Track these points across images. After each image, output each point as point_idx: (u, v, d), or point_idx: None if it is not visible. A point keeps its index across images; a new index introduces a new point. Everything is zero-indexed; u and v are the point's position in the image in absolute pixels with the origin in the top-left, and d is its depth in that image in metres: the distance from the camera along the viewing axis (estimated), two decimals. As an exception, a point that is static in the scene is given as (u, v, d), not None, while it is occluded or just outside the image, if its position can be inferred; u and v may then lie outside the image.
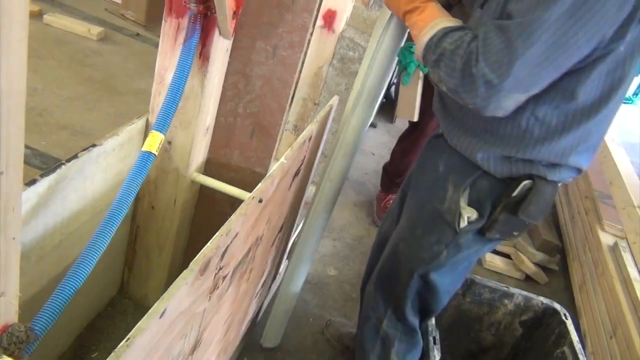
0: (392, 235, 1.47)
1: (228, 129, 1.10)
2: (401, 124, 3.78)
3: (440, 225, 1.27)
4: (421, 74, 2.41)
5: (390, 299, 1.45)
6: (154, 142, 0.85)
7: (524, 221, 1.18)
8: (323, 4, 1.94)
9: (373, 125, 3.74)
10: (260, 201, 1.01)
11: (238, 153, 1.13)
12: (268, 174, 1.03)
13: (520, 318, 1.90)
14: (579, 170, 1.18)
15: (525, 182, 1.14)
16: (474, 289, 1.87)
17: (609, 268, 2.32)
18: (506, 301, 1.88)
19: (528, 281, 2.68)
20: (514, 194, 1.15)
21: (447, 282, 1.38)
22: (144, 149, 0.86)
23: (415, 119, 2.50)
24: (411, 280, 1.37)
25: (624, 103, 6.60)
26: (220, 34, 0.90)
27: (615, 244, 2.43)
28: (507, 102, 1.02)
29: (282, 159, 1.11)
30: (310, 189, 2.19)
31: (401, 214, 1.46)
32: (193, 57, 0.89)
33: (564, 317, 1.81)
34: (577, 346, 1.71)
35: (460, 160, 1.22)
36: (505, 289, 1.88)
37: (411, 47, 2.34)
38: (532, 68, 0.97)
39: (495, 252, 2.77)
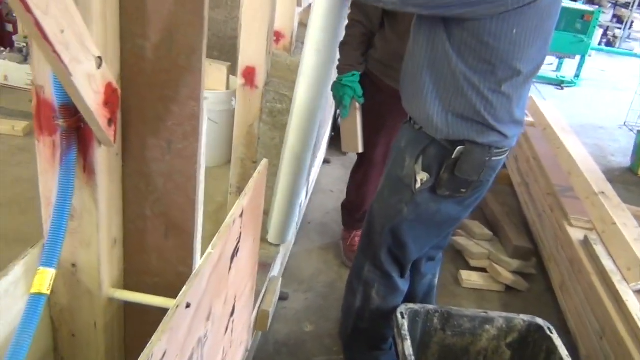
0: None
1: (139, 234, 1.01)
2: (354, 154, 3.73)
3: (401, 188, 1.61)
4: (357, 105, 2.37)
5: (369, 250, 1.78)
6: (43, 280, 0.76)
7: (465, 179, 1.51)
8: (240, 62, 1.88)
9: (327, 161, 3.68)
10: (189, 306, 0.92)
11: (156, 257, 1.04)
12: (194, 272, 0.94)
13: (506, 340, 1.82)
14: (504, 136, 1.49)
15: (459, 147, 1.48)
16: (453, 321, 1.79)
17: (584, 264, 2.27)
18: (487, 327, 1.81)
19: (509, 291, 2.62)
20: (453, 156, 1.49)
21: (412, 235, 1.69)
22: (32, 291, 0.76)
23: (361, 150, 2.46)
24: (383, 233, 1.70)
25: (567, 86, 6.74)
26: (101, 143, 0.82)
27: (586, 238, 2.39)
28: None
29: (209, 250, 1.02)
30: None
31: None
32: (74, 174, 0.81)
33: (548, 332, 1.74)
34: (568, 360, 1.64)
35: (414, 135, 1.56)
36: (484, 314, 1.81)
37: (341, 80, 2.31)
38: None
39: (471, 267, 2.70)
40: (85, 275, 0.95)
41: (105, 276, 0.96)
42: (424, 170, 1.55)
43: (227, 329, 1.32)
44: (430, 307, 1.79)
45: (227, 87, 2.63)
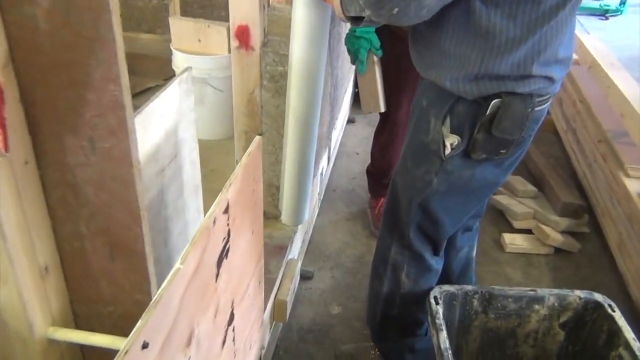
0: None
1: (80, 256, 0.82)
2: (380, 111, 3.44)
3: (427, 156, 1.37)
4: (375, 59, 2.09)
5: (395, 228, 1.54)
6: None
7: (505, 138, 1.26)
8: (232, 20, 1.63)
9: (351, 120, 3.42)
10: (146, 346, 0.72)
11: (105, 283, 0.84)
12: (152, 302, 0.73)
13: (559, 320, 1.58)
14: (550, 80, 1.23)
15: (495, 101, 1.21)
16: (495, 302, 1.56)
17: (646, 221, 1.99)
18: (537, 306, 1.57)
19: (559, 253, 2.35)
20: (487, 112, 1.22)
21: (446, 208, 1.45)
22: None
23: (383, 109, 2.18)
24: (410, 209, 1.47)
25: (612, 15, 6.18)
26: (-11, 152, 0.62)
27: (646, 190, 2.09)
28: (429, 0, 1.09)
29: (177, 265, 0.81)
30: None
31: None
32: (-45, 199, 0.61)
33: (609, 310, 1.49)
34: (636, 345, 1.39)
35: (436, 91, 1.30)
36: (532, 292, 1.56)
37: (354, 31, 2.03)
38: None
39: (515, 229, 2.44)
40: (10, 316, 0.76)
41: (36, 314, 0.77)
42: (452, 132, 1.30)
43: (224, 341, 1.13)
44: (468, 288, 1.56)
45: (229, 51, 2.39)
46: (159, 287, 0.77)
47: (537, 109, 1.26)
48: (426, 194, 1.41)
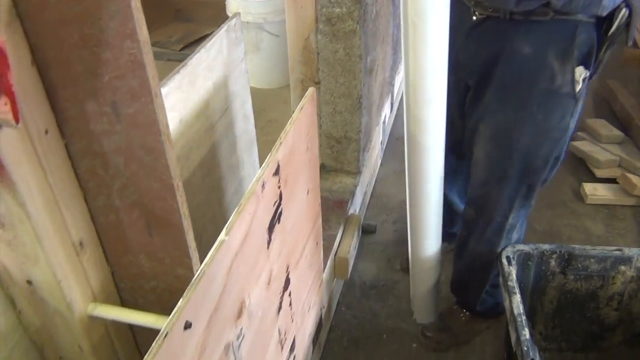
0: (488, 136, 1.35)
1: (117, 230, 0.76)
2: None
3: (559, 101, 1.24)
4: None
5: (518, 192, 1.40)
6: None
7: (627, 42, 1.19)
8: (283, -42, 1.51)
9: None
10: (189, 326, 0.66)
11: (144, 257, 0.79)
12: (194, 278, 0.67)
13: (648, 282, 1.43)
14: None
15: (623, 11, 1.13)
16: (576, 263, 1.43)
17: None
18: (623, 268, 1.42)
19: (647, 205, 2.15)
20: (613, 28, 1.14)
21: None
22: None
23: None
24: (546, 166, 1.34)
25: None
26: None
27: None
28: None
29: (222, 236, 0.74)
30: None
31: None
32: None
33: None
34: None
35: (548, 30, 1.16)
36: (618, 252, 1.41)
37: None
38: None
39: (597, 179, 2.24)
40: (46, 294, 0.73)
41: (73, 292, 0.73)
42: (578, 65, 1.19)
43: (280, 307, 1.07)
44: (545, 247, 1.43)
45: (286, -8, 2.26)
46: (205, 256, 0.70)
47: None
48: (563, 141, 1.31)
